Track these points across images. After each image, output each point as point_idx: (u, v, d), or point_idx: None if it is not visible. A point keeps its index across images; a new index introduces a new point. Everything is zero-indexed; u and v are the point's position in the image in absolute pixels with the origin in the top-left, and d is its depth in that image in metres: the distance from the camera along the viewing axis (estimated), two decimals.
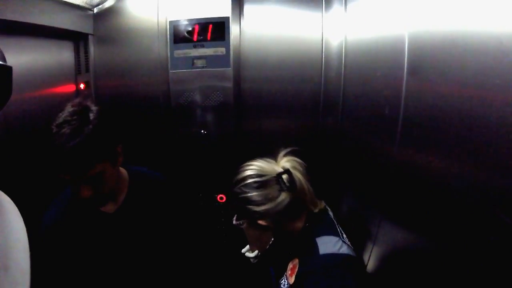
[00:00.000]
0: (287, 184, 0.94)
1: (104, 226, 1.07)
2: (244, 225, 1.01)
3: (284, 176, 0.95)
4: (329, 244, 0.91)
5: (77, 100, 0.96)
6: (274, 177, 0.96)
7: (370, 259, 1.16)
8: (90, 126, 0.90)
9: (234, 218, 1.04)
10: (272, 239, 1.14)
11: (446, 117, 0.72)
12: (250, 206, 0.94)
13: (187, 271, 1.40)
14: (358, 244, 1.10)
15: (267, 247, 1.14)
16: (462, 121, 0.65)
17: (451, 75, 0.71)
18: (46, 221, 1.05)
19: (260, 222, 0.95)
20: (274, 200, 0.93)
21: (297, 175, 0.97)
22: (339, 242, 0.92)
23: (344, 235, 0.98)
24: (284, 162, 1.02)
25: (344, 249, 0.90)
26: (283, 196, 0.93)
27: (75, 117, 0.90)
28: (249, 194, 0.94)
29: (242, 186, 0.96)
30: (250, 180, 0.96)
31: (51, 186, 1.13)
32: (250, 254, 1.20)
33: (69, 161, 0.88)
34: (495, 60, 0.55)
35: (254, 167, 0.99)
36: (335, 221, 1.04)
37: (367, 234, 1.15)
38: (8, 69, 0.52)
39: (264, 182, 0.95)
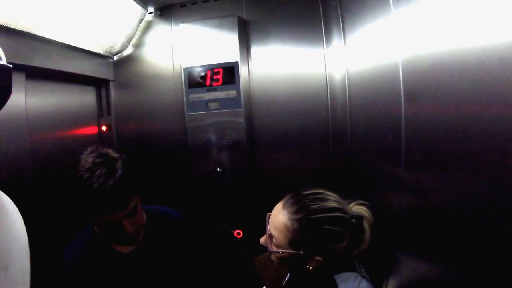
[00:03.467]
0: (355, 231, 0.91)
1: (121, 267, 1.08)
2: (278, 254, 0.94)
3: (354, 221, 0.92)
4: (348, 281, 0.89)
5: (92, 147, 1.00)
6: (348, 218, 0.91)
7: None
8: (120, 162, 0.96)
9: (270, 245, 0.95)
10: (288, 275, 1.14)
11: (444, 138, 0.75)
12: (326, 241, 0.89)
13: None
14: (373, 274, 1.09)
15: (283, 284, 1.14)
16: (459, 140, 0.67)
17: (442, 97, 0.74)
18: (65, 261, 1.07)
19: (314, 258, 0.90)
20: (340, 243, 0.90)
21: (366, 225, 0.95)
22: (358, 278, 0.90)
23: (362, 268, 0.96)
24: (356, 207, 0.98)
25: (363, 285, 0.89)
26: (345, 242, 0.90)
27: (101, 159, 0.95)
28: (334, 229, 0.88)
29: (327, 218, 0.88)
30: (336, 214, 0.89)
31: (72, 223, 1.19)
32: None
33: (112, 198, 0.92)
34: (479, 78, 0.58)
35: (335, 199, 0.93)
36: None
37: (382, 264, 1.14)
38: (8, 69, 0.52)
39: (344, 220, 0.90)
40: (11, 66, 0.53)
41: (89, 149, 1.00)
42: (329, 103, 1.61)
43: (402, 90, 0.98)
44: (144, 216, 1.13)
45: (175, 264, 1.16)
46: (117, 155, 1.00)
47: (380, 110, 1.20)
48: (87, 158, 0.95)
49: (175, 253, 1.17)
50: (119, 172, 0.94)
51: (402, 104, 0.98)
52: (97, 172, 0.91)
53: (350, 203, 1.00)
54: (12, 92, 0.54)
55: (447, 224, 0.81)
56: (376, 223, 0.99)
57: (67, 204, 1.05)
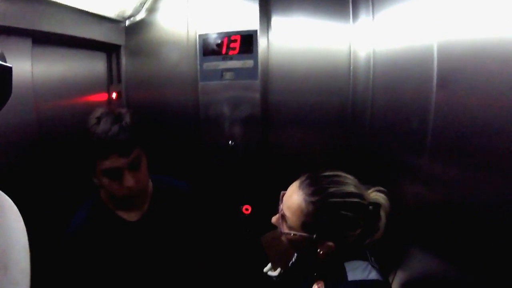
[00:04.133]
0: (371, 219, 0.89)
1: (127, 234, 1.10)
2: (289, 236, 0.92)
3: (371, 208, 0.89)
4: (358, 270, 0.88)
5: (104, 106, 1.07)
6: (366, 205, 0.89)
7: (394, 282, 1.14)
8: (128, 115, 1.02)
9: (282, 225, 0.94)
10: (295, 255, 1.13)
11: (478, 130, 0.71)
12: (340, 227, 0.87)
13: (209, 283, 1.41)
14: (381, 265, 1.09)
15: (289, 264, 1.13)
16: (495, 134, 0.65)
17: (481, 86, 0.70)
18: (71, 229, 1.09)
19: (325, 243, 0.88)
20: (354, 230, 0.88)
21: (382, 214, 0.91)
22: (368, 267, 0.89)
23: (373, 258, 0.94)
24: (374, 194, 0.94)
25: (373, 275, 0.87)
26: (360, 229, 0.88)
27: (109, 110, 1.02)
28: (350, 215, 0.86)
29: (345, 203, 0.86)
30: (354, 199, 0.87)
31: (79, 190, 1.20)
32: (273, 273, 1.19)
33: (115, 141, 0.96)
34: None
35: (353, 184, 0.90)
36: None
37: (391, 256, 1.12)
38: (8, 69, 0.52)
39: (362, 207, 0.88)
40: (11, 66, 0.52)
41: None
42: (351, 82, 1.52)
43: (435, 75, 0.92)
44: (151, 183, 1.17)
45: (180, 234, 1.18)
46: (125, 109, 1.07)
47: (406, 94, 1.15)
48: (96, 112, 1.02)
49: (181, 223, 1.18)
50: (126, 120, 1.00)
51: (434, 89, 0.93)
52: (104, 119, 0.98)
53: (368, 188, 0.96)
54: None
55: (469, 222, 0.78)
56: (392, 212, 0.96)
57: (73, 155, 1.10)
